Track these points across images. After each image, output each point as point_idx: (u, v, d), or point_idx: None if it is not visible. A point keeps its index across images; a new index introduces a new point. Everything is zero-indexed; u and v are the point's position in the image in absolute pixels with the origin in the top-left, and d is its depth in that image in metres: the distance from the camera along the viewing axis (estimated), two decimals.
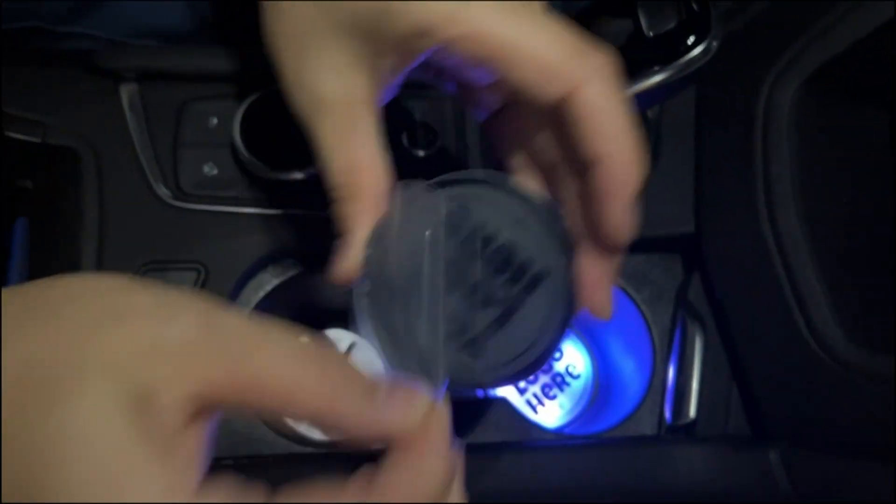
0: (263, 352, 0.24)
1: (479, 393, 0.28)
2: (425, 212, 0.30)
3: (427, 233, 0.30)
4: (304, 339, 0.25)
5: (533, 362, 0.29)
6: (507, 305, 0.29)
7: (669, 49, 0.38)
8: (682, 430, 0.47)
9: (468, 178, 0.32)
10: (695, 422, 0.46)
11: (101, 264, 0.41)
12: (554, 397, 0.54)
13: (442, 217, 0.30)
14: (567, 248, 0.30)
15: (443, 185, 0.31)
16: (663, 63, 0.38)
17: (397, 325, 0.28)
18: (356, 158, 0.31)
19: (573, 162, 0.31)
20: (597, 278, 0.31)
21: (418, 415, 0.25)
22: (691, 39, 0.38)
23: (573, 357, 0.55)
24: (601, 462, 0.43)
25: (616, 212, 0.29)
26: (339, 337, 0.43)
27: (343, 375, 0.25)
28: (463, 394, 0.28)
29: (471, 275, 0.30)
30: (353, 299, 0.30)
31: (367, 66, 0.30)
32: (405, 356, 0.28)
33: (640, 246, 0.49)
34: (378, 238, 0.30)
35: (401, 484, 0.25)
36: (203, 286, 0.42)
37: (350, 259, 0.30)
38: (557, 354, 0.54)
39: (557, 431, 0.50)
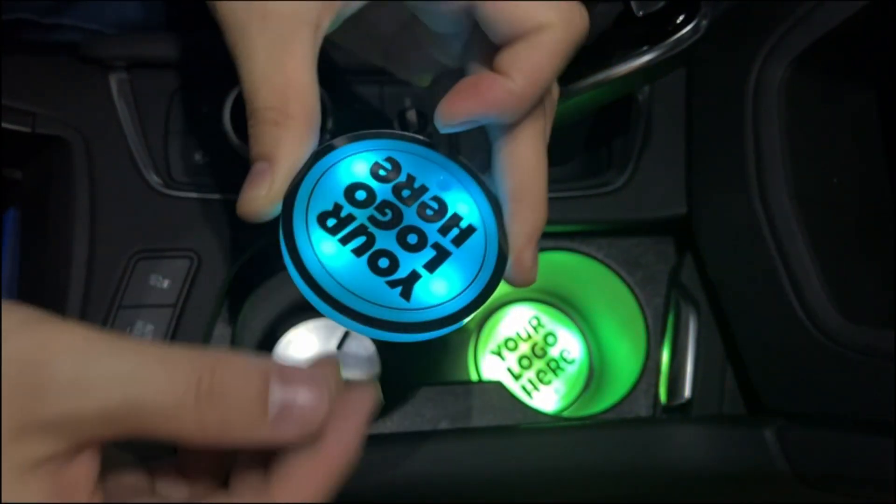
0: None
1: (403, 338, 0.28)
2: (354, 157, 0.30)
3: (359, 170, 0.30)
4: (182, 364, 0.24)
5: (461, 310, 0.28)
6: (438, 252, 0.29)
7: (659, 29, 0.38)
8: (677, 411, 0.47)
9: (397, 135, 0.32)
10: (690, 402, 0.46)
11: (93, 254, 0.41)
12: (549, 382, 0.54)
13: (371, 162, 0.30)
14: (494, 208, 0.31)
15: (372, 137, 0.31)
16: (653, 43, 0.38)
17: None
18: (294, 80, 0.28)
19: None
20: (524, 239, 0.31)
21: (316, 422, 0.24)
22: (681, 19, 0.38)
23: (567, 342, 0.55)
24: (597, 443, 0.43)
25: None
26: (334, 324, 0.43)
27: (226, 403, 0.23)
28: (388, 335, 0.27)
29: (403, 218, 0.29)
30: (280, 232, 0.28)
31: None
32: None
33: (632, 229, 0.50)
34: (299, 175, 0.29)
35: (299, 484, 0.25)
36: (196, 274, 0.42)
37: (272, 189, 0.28)
38: (552, 339, 0.55)
39: (555, 416, 0.50)
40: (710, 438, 0.43)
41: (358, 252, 0.28)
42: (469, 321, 0.53)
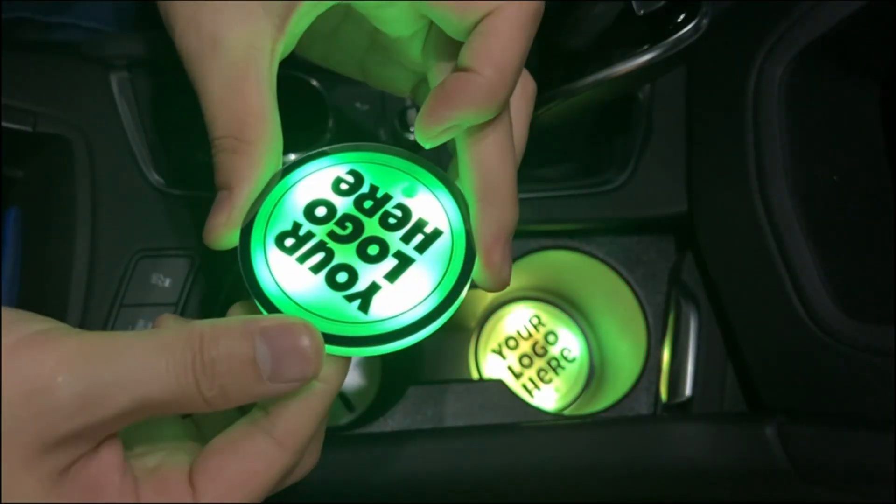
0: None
1: (362, 352, 0.27)
2: (316, 174, 0.30)
3: (320, 186, 0.30)
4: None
5: (422, 318, 0.28)
6: (400, 261, 0.28)
7: (659, 28, 0.38)
8: (678, 409, 0.47)
9: (360, 146, 0.31)
10: (691, 400, 0.46)
11: (95, 253, 0.41)
12: (550, 381, 0.54)
13: (333, 177, 0.30)
14: (462, 210, 0.30)
15: (334, 152, 0.31)
16: (653, 42, 0.38)
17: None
18: (247, 108, 0.28)
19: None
20: (492, 238, 0.30)
21: (311, 363, 0.25)
22: (681, 18, 0.38)
23: (568, 340, 0.55)
24: (598, 441, 0.44)
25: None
26: None
27: (222, 376, 0.25)
28: (347, 350, 0.27)
29: (364, 230, 0.29)
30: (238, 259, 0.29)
31: (273, 11, 0.29)
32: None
33: (632, 227, 0.50)
34: (258, 200, 0.29)
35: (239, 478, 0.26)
36: (197, 273, 0.42)
37: (230, 217, 0.28)
38: (553, 338, 0.55)
39: (556, 414, 0.50)
40: (711, 436, 0.43)
41: (315, 269, 0.28)
42: (472, 323, 0.54)
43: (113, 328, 0.41)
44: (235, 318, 0.26)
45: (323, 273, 0.28)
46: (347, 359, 0.28)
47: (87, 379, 0.23)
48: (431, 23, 0.30)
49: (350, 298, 0.28)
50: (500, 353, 0.54)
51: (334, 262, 0.28)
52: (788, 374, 0.42)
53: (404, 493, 0.42)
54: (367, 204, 0.30)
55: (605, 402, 0.50)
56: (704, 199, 0.46)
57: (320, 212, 0.30)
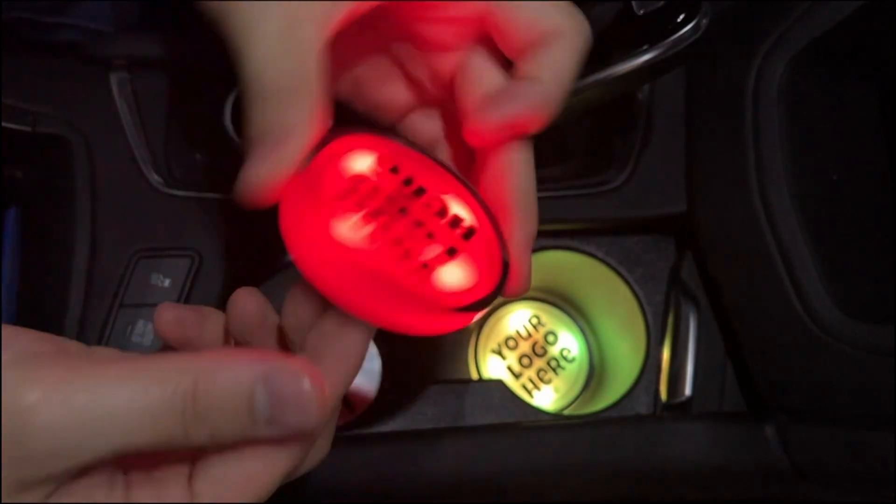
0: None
1: (425, 329, 0.27)
2: (359, 151, 0.29)
3: (364, 163, 0.29)
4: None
5: (477, 302, 0.27)
6: (448, 247, 0.28)
7: (659, 28, 0.38)
8: (677, 409, 0.47)
9: (397, 137, 0.31)
10: (690, 399, 0.46)
11: (94, 253, 0.41)
12: (550, 381, 0.54)
13: (375, 158, 0.29)
14: (489, 215, 0.30)
15: (376, 133, 0.30)
16: (653, 42, 0.38)
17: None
18: (304, 64, 0.27)
19: None
20: (522, 246, 0.30)
21: (312, 414, 0.24)
22: (681, 17, 0.38)
23: (568, 340, 0.55)
24: (598, 441, 0.44)
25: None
26: None
27: (213, 419, 0.23)
28: (409, 329, 0.27)
29: (411, 211, 0.28)
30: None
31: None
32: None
33: (632, 227, 0.50)
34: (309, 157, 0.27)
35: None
36: (197, 273, 0.42)
37: (281, 164, 0.26)
38: (552, 338, 0.55)
39: (555, 414, 0.50)
40: (710, 435, 0.43)
41: (370, 239, 0.27)
42: (471, 323, 0.53)
43: (112, 328, 0.41)
44: (234, 359, 0.24)
45: (375, 246, 0.27)
46: (361, 350, 0.27)
47: (66, 421, 0.22)
48: (479, 41, 0.31)
49: (407, 272, 0.26)
50: (499, 353, 0.54)
51: (385, 236, 0.27)
52: (788, 373, 0.42)
53: (404, 493, 0.42)
54: (409, 188, 0.29)
55: (604, 401, 0.50)
56: (704, 199, 0.46)
57: (366, 187, 0.28)
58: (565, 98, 0.29)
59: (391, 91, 0.34)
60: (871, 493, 0.40)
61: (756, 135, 0.42)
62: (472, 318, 0.28)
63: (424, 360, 0.52)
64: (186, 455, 0.26)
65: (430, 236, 0.28)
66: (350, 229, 0.27)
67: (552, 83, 0.29)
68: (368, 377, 0.52)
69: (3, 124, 0.41)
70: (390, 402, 0.46)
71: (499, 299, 0.55)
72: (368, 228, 0.27)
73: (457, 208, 0.30)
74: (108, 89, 0.44)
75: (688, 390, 0.46)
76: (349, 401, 0.51)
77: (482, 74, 0.31)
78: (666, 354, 0.48)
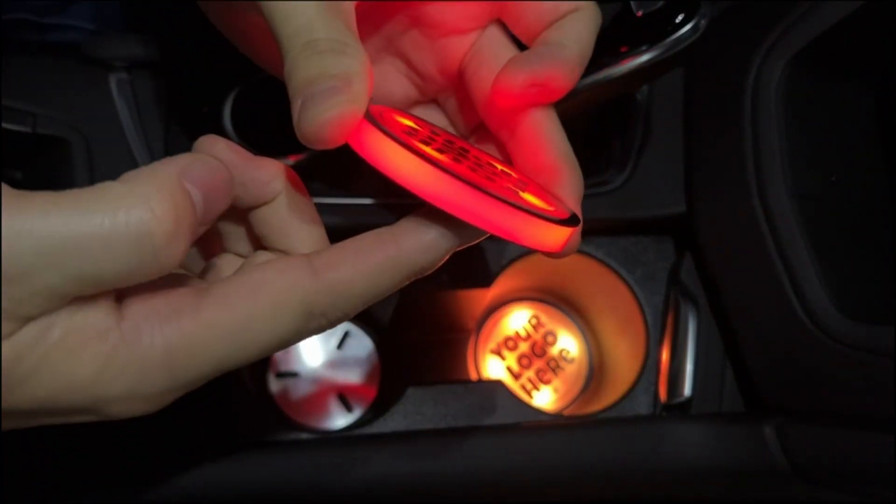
0: None
1: (529, 235, 0.26)
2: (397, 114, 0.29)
3: (408, 119, 0.29)
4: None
5: (573, 216, 0.27)
6: (516, 179, 0.28)
7: (658, 28, 0.38)
8: (677, 409, 0.47)
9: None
10: (690, 400, 0.46)
11: None
12: (549, 381, 0.54)
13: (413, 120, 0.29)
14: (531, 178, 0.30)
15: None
16: (652, 42, 0.38)
17: None
18: (350, 24, 0.27)
19: None
20: (576, 202, 0.30)
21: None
22: (680, 18, 0.38)
23: (567, 341, 0.55)
24: (598, 441, 0.44)
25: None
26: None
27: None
28: (516, 234, 0.26)
29: (470, 157, 0.28)
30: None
31: None
32: None
33: (631, 227, 0.50)
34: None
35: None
36: None
37: (356, 97, 0.25)
38: (552, 339, 0.55)
39: (555, 414, 0.50)
40: (710, 436, 0.43)
41: (452, 165, 0.26)
42: (471, 324, 0.53)
43: None
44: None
45: (464, 162, 0.27)
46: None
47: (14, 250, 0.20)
48: (487, 26, 0.32)
49: (492, 192, 0.25)
50: (499, 353, 0.54)
51: (463, 164, 0.27)
52: (787, 374, 0.42)
53: (404, 493, 0.42)
54: (455, 144, 0.29)
55: (604, 402, 0.50)
56: (703, 200, 0.46)
57: (424, 131, 0.28)
58: (584, 67, 0.30)
59: (390, 87, 0.35)
60: (870, 493, 0.40)
61: (755, 135, 0.42)
62: (569, 235, 0.27)
63: (424, 360, 0.52)
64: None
65: (497, 174, 0.28)
66: (434, 152, 0.26)
67: (576, 49, 0.30)
68: (368, 377, 0.52)
69: (3, 125, 0.41)
70: (390, 403, 0.46)
71: (498, 299, 0.55)
72: (447, 156, 0.27)
73: (501, 167, 0.29)
74: (107, 90, 0.44)
75: (687, 391, 0.46)
76: (348, 401, 0.51)
77: (497, 53, 0.32)
78: (665, 355, 0.48)
